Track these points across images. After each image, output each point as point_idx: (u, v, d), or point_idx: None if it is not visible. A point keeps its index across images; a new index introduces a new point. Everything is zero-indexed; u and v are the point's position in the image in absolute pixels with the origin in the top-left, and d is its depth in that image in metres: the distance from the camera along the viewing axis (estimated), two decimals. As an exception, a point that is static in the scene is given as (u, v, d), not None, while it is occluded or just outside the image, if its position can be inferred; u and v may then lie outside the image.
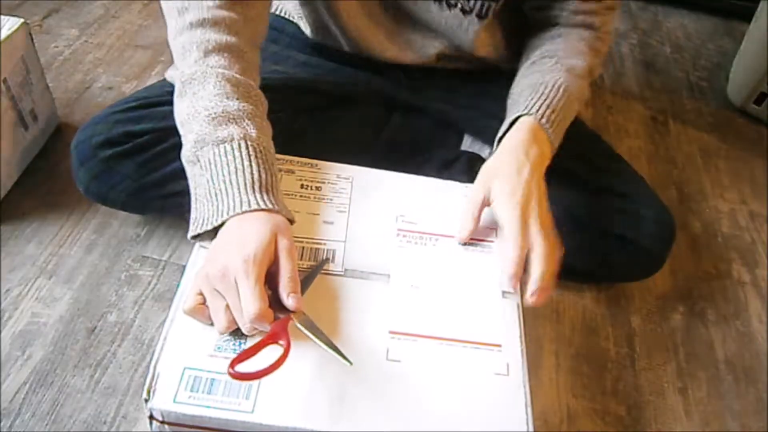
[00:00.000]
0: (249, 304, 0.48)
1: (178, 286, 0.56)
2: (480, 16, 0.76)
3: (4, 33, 0.84)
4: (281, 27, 0.90)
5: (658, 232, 0.79)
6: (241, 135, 0.57)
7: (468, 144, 0.88)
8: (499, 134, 0.71)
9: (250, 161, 0.56)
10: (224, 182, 0.55)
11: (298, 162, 0.69)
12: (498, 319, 0.57)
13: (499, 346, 0.55)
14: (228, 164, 0.55)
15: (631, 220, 0.78)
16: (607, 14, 0.78)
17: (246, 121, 0.58)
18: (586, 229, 0.80)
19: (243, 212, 0.53)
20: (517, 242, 0.60)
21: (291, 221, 0.57)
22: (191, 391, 0.48)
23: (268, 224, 0.53)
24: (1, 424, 0.67)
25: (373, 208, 0.65)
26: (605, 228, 0.79)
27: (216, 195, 0.55)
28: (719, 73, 1.42)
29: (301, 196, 0.65)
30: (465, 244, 0.63)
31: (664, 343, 0.85)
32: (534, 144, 0.67)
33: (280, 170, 0.68)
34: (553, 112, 0.70)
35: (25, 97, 0.90)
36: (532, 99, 0.70)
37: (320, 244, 0.60)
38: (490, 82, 0.87)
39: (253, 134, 0.58)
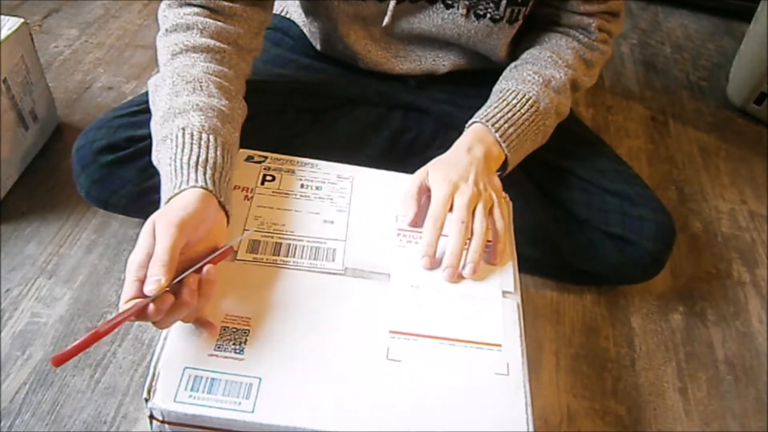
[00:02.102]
0: None
1: (178, 286, 0.56)
2: (510, 22, 0.76)
3: (4, 33, 0.84)
4: (285, 29, 0.90)
5: (658, 235, 0.79)
6: (181, 126, 0.56)
7: (468, 145, 0.88)
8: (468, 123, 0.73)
9: (183, 147, 0.56)
10: (163, 176, 0.56)
11: (298, 162, 0.69)
12: (498, 318, 0.57)
13: (500, 346, 0.55)
14: (167, 157, 0.56)
15: (631, 222, 0.78)
16: (608, 20, 0.77)
17: (191, 113, 0.58)
18: (586, 230, 0.80)
19: (167, 202, 0.54)
20: (429, 224, 0.61)
21: (214, 194, 0.54)
22: (191, 390, 0.48)
23: (166, 209, 0.52)
24: (1, 424, 0.67)
25: (373, 208, 0.65)
26: (605, 230, 0.79)
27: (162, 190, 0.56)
28: (719, 73, 1.42)
29: (301, 195, 0.65)
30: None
31: (664, 343, 0.85)
32: (478, 143, 0.69)
33: (280, 169, 0.68)
34: (511, 125, 0.70)
35: (25, 97, 0.90)
36: (493, 107, 0.71)
37: (320, 243, 0.60)
38: (495, 83, 0.87)
39: (195, 123, 0.57)
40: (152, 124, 0.61)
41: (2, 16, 0.87)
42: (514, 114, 0.71)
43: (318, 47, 0.86)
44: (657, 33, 1.55)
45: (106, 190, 0.75)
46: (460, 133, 0.88)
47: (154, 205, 0.81)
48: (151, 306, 0.46)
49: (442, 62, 0.82)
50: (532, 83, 0.73)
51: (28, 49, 0.91)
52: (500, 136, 0.69)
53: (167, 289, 0.47)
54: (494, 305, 0.58)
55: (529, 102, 0.72)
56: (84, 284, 0.81)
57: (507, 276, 0.61)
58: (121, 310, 0.46)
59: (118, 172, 0.74)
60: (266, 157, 0.68)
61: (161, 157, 0.57)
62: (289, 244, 0.60)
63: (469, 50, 0.81)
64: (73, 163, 0.76)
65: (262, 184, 0.65)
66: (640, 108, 1.28)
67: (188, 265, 0.50)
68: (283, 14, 0.91)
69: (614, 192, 0.80)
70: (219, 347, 0.51)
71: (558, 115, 0.75)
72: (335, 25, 0.79)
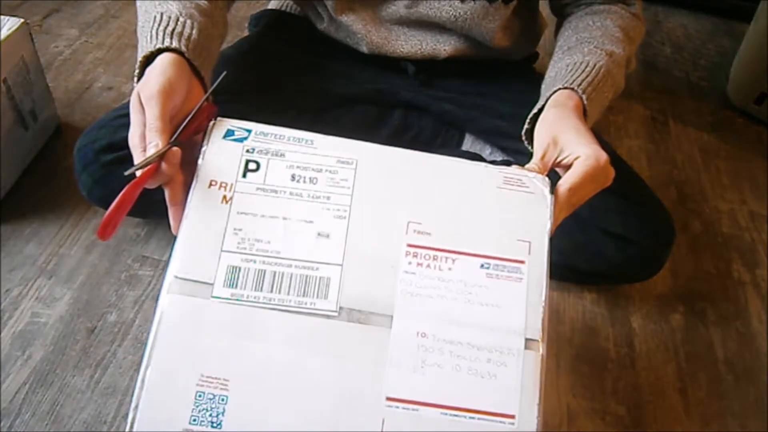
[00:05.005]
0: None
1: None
2: (506, 2, 0.77)
3: (4, 33, 0.84)
4: (286, 24, 0.90)
5: (658, 234, 0.79)
6: (159, 11, 0.62)
7: (469, 144, 0.88)
8: (539, 105, 0.67)
9: (160, 23, 0.61)
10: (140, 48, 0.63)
11: (290, 138, 0.54)
12: (515, 380, 0.48)
13: (513, 417, 0.47)
14: (145, 33, 0.62)
15: (631, 221, 0.78)
16: None
17: (170, 2, 0.64)
18: (586, 229, 0.80)
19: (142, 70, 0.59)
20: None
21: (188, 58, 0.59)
22: None
23: (145, 80, 0.56)
24: (1, 424, 0.67)
25: (380, 210, 0.52)
26: (605, 228, 0.79)
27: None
28: (719, 73, 1.42)
29: (292, 193, 0.52)
30: (489, 266, 0.51)
31: (664, 343, 0.85)
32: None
33: (267, 151, 0.55)
34: (594, 90, 0.67)
35: (25, 97, 0.90)
36: (573, 75, 0.67)
37: (312, 268, 0.50)
38: (497, 82, 0.88)
39: (173, 9, 0.63)
40: (137, 27, 0.65)
41: (2, 16, 0.86)
42: (594, 80, 0.67)
43: (320, 28, 0.86)
44: (657, 33, 1.55)
45: (108, 190, 0.75)
46: (461, 131, 0.89)
47: (156, 204, 0.81)
48: (163, 164, 0.50)
49: (443, 47, 0.83)
50: (598, 55, 0.70)
51: (28, 49, 0.90)
52: (587, 101, 0.65)
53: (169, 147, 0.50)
54: (513, 362, 0.49)
55: (602, 70, 0.68)
56: (84, 284, 0.81)
57: (534, 316, 0.50)
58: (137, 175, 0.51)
59: (119, 172, 0.74)
60: (250, 131, 0.55)
61: (141, 41, 0.62)
62: (275, 273, 0.49)
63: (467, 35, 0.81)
64: (75, 163, 0.76)
65: (244, 176, 0.53)
66: (640, 108, 1.28)
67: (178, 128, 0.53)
68: (282, 8, 0.91)
69: (614, 191, 0.80)
70: (194, 419, 0.45)
71: (616, 90, 0.73)
72: (334, 6, 0.80)
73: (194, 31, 0.61)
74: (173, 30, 0.60)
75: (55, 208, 0.89)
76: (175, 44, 0.58)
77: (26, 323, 0.76)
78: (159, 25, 0.60)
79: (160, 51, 0.58)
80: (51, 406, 0.69)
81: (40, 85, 0.95)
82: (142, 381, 0.46)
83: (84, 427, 0.67)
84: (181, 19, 0.61)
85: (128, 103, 0.79)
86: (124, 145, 0.73)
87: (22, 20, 0.87)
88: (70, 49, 1.20)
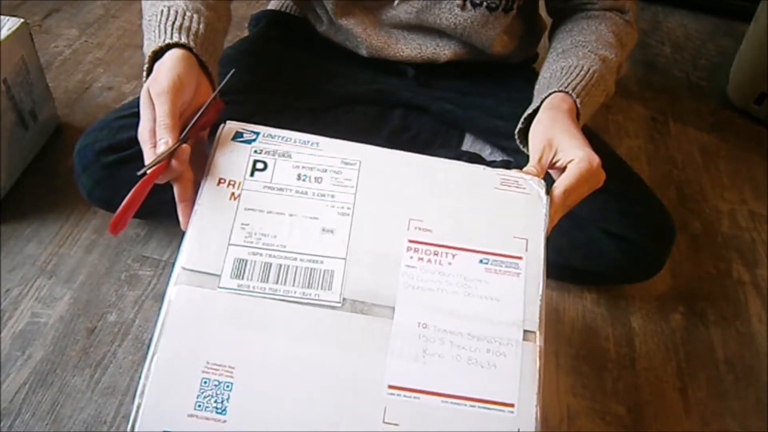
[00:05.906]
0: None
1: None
2: (506, 11, 0.77)
3: (4, 33, 0.84)
4: (286, 24, 0.90)
5: (657, 234, 0.79)
6: (166, 5, 0.62)
7: (469, 144, 0.88)
8: (534, 106, 0.68)
9: (168, 17, 0.61)
10: (147, 43, 0.61)
11: (297, 140, 0.57)
12: (514, 370, 0.49)
13: (512, 406, 0.48)
14: (152, 28, 0.61)
15: (630, 221, 0.78)
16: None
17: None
18: (586, 229, 0.80)
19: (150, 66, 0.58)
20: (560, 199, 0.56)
21: (194, 52, 0.59)
22: None
23: (155, 76, 0.56)
24: (1, 424, 0.67)
25: (383, 208, 0.54)
26: (605, 228, 0.79)
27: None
28: (719, 73, 1.42)
29: (297, 192, 0.54)
30: (488, 262, 0.53)
31: (664, 343, 0.85)
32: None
33: (274, 152, 0.57)
34: (587, 95, 0.68)
35: (25, 97, 0.90)
36: (567, 78, 0.68)
37: (316, 262, 0.51)
38: (496, 82, 0.88)
39: (180, 4, 0.62)
40: (143, 21, 0.64)
41: (2, 16, 0.87)
42: (590, 88, 0.68)
43: (320, 30, 0.86)
44: (657, 33, 1.55)
45: (108, 191, 0.75)
46: (461, 131, 0.89)
47: (157, 205, 0.81)
48: (173, 161, 0.51)
49: (443, 51, 0.83)
50: (591, 59, 0.71)
51: (28, 49, 0.91)
52: (580, 105, 0.66)
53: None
54: (511, 352, 0.50)
55: (596, 74, 0.69)
56: (84, 284, 0.81)
57: (531, 309, 0.51)
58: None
59: (119, 173, 0.74)
60: (258, 133, 0.57)
61: (148, 35, 0.61)
62: (280, 265, 0.51)
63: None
64: (75, 164, 0.76)
65: (252, 175, 0.54)
66: (640, 108, 1.28)
67: (187, 124, 0.54)
68: (282, 9, 0.91)
69: (614, 191, 0.80)
70: (199, 405, 0.46)
71: (607, 95, 0.74)
72: (334, 9, 0.80)
73: (201, 26, 0.61)
74: (181, 25, 0.60)
75: (55, 208, 0.89)
76: (183, 39, 0.58)
77: (26, 323, 0.76)
78: (167, 20, 0.60)
79: (168, 46, 0.58)
80: (51, 406, 0.69)
81: (40, 85, 0.95)
82: (149, 368, 0.47)
83: (84, 427, 0.67)
84: (188, 14, 0.61)
85: (129, 103, 0.80)
86: (124, 146, 0.74)
87: (22, 20, 0.87)
88: (70, 49, 1.20)
